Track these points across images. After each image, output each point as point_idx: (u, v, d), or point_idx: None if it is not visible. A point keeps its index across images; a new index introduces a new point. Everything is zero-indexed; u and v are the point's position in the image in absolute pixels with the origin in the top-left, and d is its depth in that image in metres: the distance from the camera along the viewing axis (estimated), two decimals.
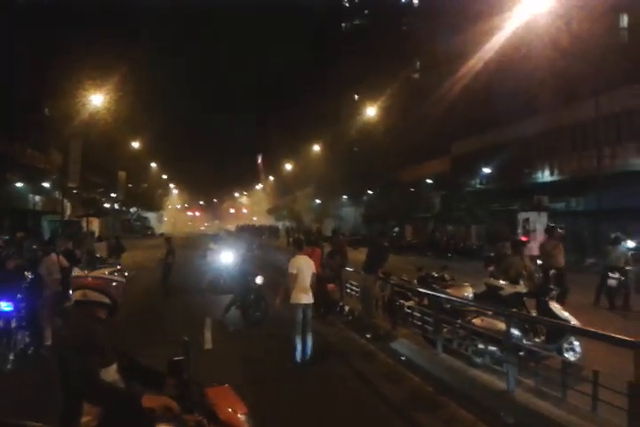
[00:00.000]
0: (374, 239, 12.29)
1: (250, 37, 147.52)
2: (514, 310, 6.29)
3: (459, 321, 6.81)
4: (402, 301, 8.71)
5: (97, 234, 25.98)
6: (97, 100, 29.46)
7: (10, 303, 7.10)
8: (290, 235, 39.99)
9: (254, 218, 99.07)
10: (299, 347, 7.32)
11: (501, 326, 5.89)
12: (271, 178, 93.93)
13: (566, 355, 6.47)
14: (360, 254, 11.77)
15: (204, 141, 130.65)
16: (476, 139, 35.47)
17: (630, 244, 15.61)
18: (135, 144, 55.50)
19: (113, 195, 54.21)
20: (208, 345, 8.46)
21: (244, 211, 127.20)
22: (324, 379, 6.83)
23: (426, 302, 8.05)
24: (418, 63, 46.02)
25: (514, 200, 29.11)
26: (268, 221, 76.40)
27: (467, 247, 29.76)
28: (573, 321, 6.66)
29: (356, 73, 48.25)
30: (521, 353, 5.56)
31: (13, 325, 7.09)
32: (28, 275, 7.92)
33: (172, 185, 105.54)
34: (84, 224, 36.61)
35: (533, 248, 13.04)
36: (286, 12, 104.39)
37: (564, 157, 29.18)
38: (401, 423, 5.37)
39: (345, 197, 56.32)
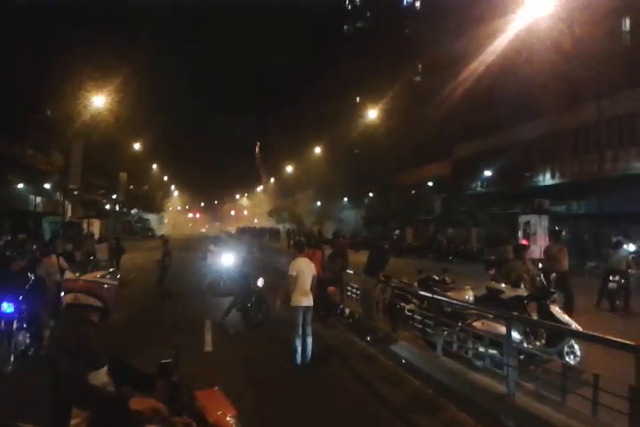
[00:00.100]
0: (375, 242, 12.32)
1: (250, 37, 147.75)
2: (515, 313, 6.28)
3: (459, 324, 6.81)
4: (402, 303, 8.70)
5: (97, 235, 26.10)
6: (98, 101, 29.47)
7: (11, 304, 7.09)
8: (290, 237, 40.01)
9: (255, 220, 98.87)
10: (299, 349, 7.33)
11: (502, 329, 5.87)
12: (272, 180, 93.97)
13: (567, 358, 6.48)
14: (361, 257, 11.77)
15: (204, 142, 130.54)
16: (477, 142, 35.51)
17: (631, 247, 15.67)
18: (136, 146, 55.52)
19: (114, 196, 54.22)
20: (208, 347, 8.46)
21: (245, 213, 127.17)
22: (325, 381, 6.84)
23: (426, 304, 8.05)
24: (420, 66, 45.98)
25: (515, 203, 29.06)
26: (268, 223, 76.26)
27: (467, 250, 29.80)
28: (574, 325, 6.66)
29: (356, 74, 48.09)
30: (521, 356, 5.54)
31: (15, 326, 7.06)
32: (31, 276, 7.92)
33: (172, 187, 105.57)
34: (85, 226, 36.72)
35: (534, 251, 13.06)
36: (286, 12, 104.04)
37: (565, 161, 29.20)
38: (401, 426, 5.37)
39: (346, 199, 56.32)
